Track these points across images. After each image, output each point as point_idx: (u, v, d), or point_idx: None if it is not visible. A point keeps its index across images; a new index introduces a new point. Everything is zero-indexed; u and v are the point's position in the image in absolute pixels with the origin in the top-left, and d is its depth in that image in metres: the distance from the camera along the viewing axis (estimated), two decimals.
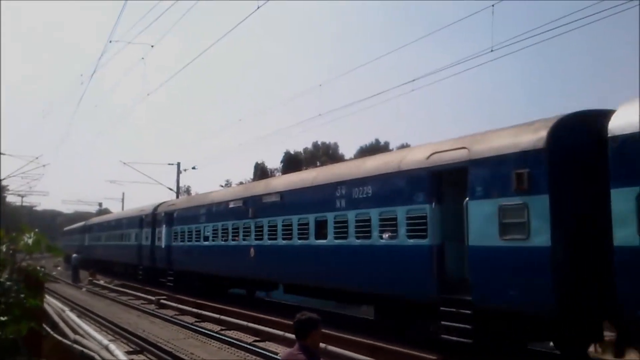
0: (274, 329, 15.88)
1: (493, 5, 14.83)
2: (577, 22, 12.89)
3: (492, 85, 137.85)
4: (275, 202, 19.68)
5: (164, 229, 30.12)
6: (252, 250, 20.81)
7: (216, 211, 24.52)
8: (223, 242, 23.44)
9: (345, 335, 14.11)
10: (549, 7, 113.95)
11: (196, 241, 26.21)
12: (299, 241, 17.94)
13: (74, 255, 42.30)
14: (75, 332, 15.92)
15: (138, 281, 33.55)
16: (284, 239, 18.81)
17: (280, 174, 76.19)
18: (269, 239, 19.70)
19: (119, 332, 17.00)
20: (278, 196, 19.61)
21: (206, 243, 25.15)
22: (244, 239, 21.50)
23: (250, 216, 20.97)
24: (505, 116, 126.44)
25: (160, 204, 33.65)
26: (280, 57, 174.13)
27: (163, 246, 29.98)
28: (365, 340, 13.54)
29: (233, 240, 22.44)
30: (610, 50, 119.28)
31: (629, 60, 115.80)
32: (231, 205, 22.75)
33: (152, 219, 32.87)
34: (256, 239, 20.61)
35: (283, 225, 18.83)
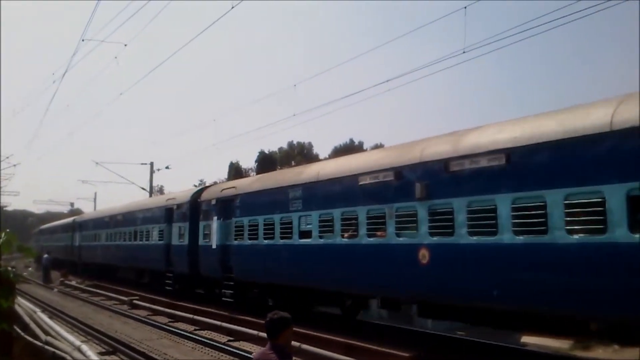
0: (247, 328, 15.89)
1: (465, 7, 15.01)
2: (550, 23, 13.07)
3: (464, 86, 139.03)
4: (490, 170, 10.86)
5: (215, 222, 21.53)
6: (424, 252, 12.06)
7: (328, 192, 15.46)
8: (346, 241, 14.47)
9: (320, 334, 14.20)
10: (522, 9, 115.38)
11: (284, 238, 17.16)
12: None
13: (45, 255, 41.67)
14: (46, 333, 15.80)
15: (164, 293, 25.40)
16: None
17: (254, 174, 76.05)
18: (478, 233, 10.99)
19: (91, 333, 16.86)
20: (501, 157, 10.68)
21: (307, 241, 16.00)
22: (402, 235, 12.80)
23: (419, 196, 12.21)
24: (478, 116, 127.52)
25: (204, 187, 26.01)
26: (254, 57, 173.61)
27: (214, 246, 21.32)
28: (338, 339, 13.63)
29: (371, 236, 13.66)
30: (582, 51, 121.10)
31: (602, 60, 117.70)
32: (366, 181, 13.87)
33: (190, 210, 24.07)
34: (436, 235, 11.88)
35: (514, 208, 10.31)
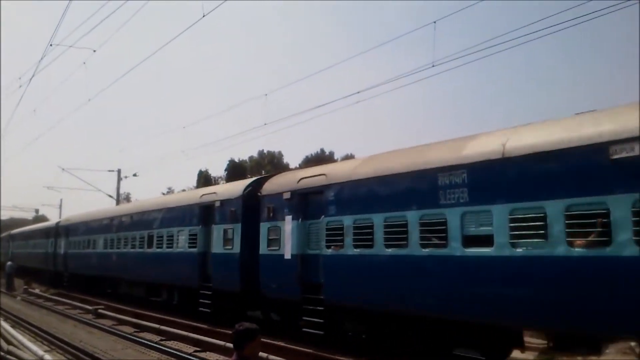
0: (214, 339, 15.84)
1: (435, 22, 15.28)
2: (516, 39, 13.38)
3: (432, 99, 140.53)
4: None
5: (289, 223, 16.22)
6: None
7: (527, 174, 10.11)
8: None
9: (289, 345, 14.24)
10: (489, 25, 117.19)
11: (429, 247, 11.85)
12: None
13: (9, 262, 40.88)
14: (8, 342, 15.55)
15: (193, 315, 20.13)
16: None
17: (224, 182, 75.72)
18: None
19: (55, 342, 16.63)
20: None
21: (481, 251, 10.69)
22: None
23: None
24: (447, 129, 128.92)
25: (265, 177, 19.74)
26: (225, 65, 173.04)
27: (288, 256, 16.05)
28: (307, 350, 13.68)
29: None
30: (543, 67, 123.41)
31: (566, 76, 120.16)
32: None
33: (243, 208, 18.57)
34: None
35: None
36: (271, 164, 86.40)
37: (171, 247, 22.67)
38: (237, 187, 19.57)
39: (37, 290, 35.83)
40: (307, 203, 15.82)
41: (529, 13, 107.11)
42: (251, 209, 18.07)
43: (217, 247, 19.53)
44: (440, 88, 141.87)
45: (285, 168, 74.77)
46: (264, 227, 17.25)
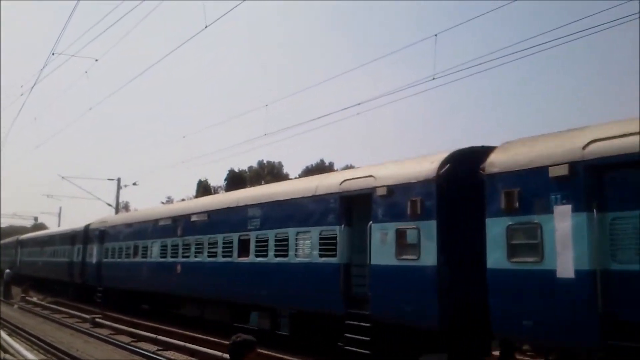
0: (211, 349, 15.84)
1: (436, 35, 15.35)
2: (516, 53, 13.33)
3: (433, 111, 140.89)
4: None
5: (570, 216, 9.69)
6: None
7: None
8: None
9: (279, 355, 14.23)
10: (489, 39, 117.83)
11: None
12: None
13: (7, 270, 40.80)
14: (5, 351, 15.54)
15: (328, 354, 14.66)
16: None
17: (224, 192, 75.77)
18: None
19: (51, 351, 16.63)
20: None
21: None
22: None
23: None
24: (444, 140, 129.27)
25: (472, 150, 12.86)
26: (226, 76, 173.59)
27: (569, 274, 9.59)
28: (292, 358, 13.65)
29: None
30: (547, 79, 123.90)
31: (562, 90, 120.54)
32: None
33: (437, 196, 12.30)
34: None
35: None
36: (271, 174, 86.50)
37: (284, 256, 16.23)
38: (423, 166, 12.78)
39: (34, 299, 35.75)
40: (607, 183, 9.33)
41: (529, 26, 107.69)
42: (453, 197, 12.25)
43: (381, 256, 13.08)
44: (441, 100, 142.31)
45: (285, 178, 74.84)
46: (497, 224, 10.70)
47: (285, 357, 14.37)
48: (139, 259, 25.77)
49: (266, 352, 14.33)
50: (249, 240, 17.88)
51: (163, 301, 24.87)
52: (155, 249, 24.30)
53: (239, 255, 18.36)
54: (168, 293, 23.45)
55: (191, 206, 23.89)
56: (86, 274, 32.20)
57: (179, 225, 22.50)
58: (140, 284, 25.80)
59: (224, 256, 19.21)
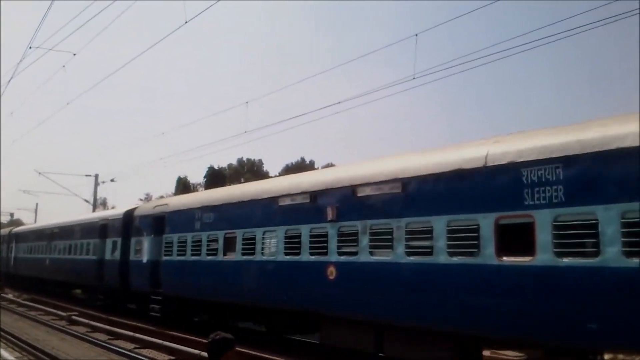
0: (190, 347, 15.69)
1: (417, 35, 15.24)
2: (497, 53, 13.36)
3: (413, 110, 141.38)
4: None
5: None
6: None
7: None
8: None
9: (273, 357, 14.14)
10: (470, 39, 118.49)
11: None
12: None
13: None
14: None
15: None
16: None
17: (203, 189, 75.32)
18: None
19: (26, 349, 16.36)
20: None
21: None
22: None
23: None
24: (428, 139, 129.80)
25: None
26: (206, 73, 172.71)
27: None
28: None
29: None
30: (525, 79, 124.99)
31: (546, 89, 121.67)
32: None
33: None
34: None
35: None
36: (251, 171, 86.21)
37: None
38: None
39: (9, 296, 35.23)
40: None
41: (511, 26, 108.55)
42: None
43: None
44: (422, 99, 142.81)
45: (264, 176, 74.60)
46: None
47: (265, 355, 14.27)
48: (238, 256, 16.95)
49: (245, 350, 14.24)
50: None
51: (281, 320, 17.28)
52: (272, 242, 15.84)
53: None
54: (301, 309, 14.89)
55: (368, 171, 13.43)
56: (130, 277, 23.83)
57: (333, 203, 13.89)
58: (240, 294, 17.02)
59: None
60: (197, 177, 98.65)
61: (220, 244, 17.90)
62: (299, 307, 14.70)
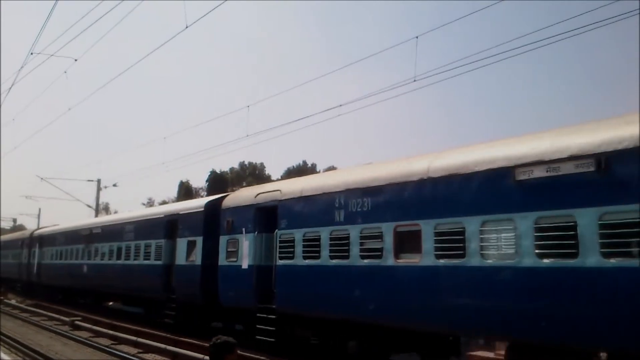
0: (192, 351, 15.72)
1: (417, 37, 15.27)
2: (499, 55, 13.30)
3: (414, 112, 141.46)
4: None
5: None
6: None
7: None
8: None
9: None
10: (471, 40, 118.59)
11: None
12: None
13: None
14: None
15: None
16: None
17: (205, 193, 75.42)
18: None
19: (30, 354, 16.41)
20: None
21: None
22: None
23: None
24: (429, 141, 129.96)
25: None
26: (208, 78, 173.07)
27: None
28: None
29: None
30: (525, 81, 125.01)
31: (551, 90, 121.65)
32: None
33: None
34: None
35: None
36: (252, 175, 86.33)
37: None
38: None
39: (13, 301, 35.27)
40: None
41: (511, 27, 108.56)
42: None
43: None
44: (422, 101, 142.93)
45: (266, 179, 74.68)
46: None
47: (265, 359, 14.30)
48: (427, 260, 11.42)
49: (247, 354, 14.26)
50: None
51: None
52: (504, 238, 10.28)
53: None
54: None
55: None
56: (220, 288, 18.02)
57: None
58: (435, 318, 11.45)
59: None
60: (199, 181, 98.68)
61: (387, 242, 12.27)
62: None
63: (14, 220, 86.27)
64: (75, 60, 21.25)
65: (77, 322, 23.43)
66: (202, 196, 70.90)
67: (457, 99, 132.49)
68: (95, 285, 29.08)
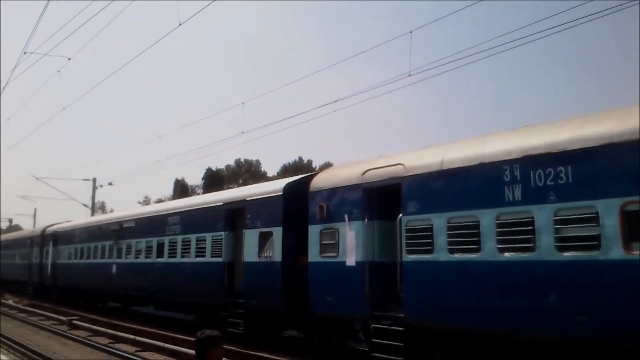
0: (191, 349, 15.68)
1: (411, 32, 15.23)
2: (493, 49, 13.35)
3: (409, 107, 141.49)
4: None
5: None
6: None
7: None
8: None
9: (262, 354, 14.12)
10: (466, 34, 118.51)
11: None
12: None
13: None
14: None
15: None
16: None
17: (201, 191, 75.35)
18: None
19: (28, 354, 16.37)
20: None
21: None
22: None
23: None
24: (422, 136, 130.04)
25: None
26: (202, 75, 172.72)
27: None
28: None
29: None
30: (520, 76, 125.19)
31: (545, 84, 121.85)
32: None
33: None
34: None
35: None
36: (248, 172, 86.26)
37: None
38: None
39: (10, 302, 35.18)
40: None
41: (507, 21, 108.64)
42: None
43: None
44: (418, 96, 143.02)
45: (262, 176, 74.68)
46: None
47: (249, 352, 14.29)
48: None
49: (232, 348, 14.28)
50: None
51: None
52: None
53: None
54: None
55: None
56: (312, 292, 14.38)
57: None
58: None
59: None
60: (194, 179, 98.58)
61: (609, 227, 8.67)
62: None
63: (10, 221, 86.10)
64: (69, 59, 21.19)
65: (74, 322, 23.38)
66: (198, 194, 70.80)
67: (453, 92, 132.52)
68: (126, 288, 24.98)
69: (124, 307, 27.79)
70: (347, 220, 13.48)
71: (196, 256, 19.20)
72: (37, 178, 45.20)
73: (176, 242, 20.53)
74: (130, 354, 16.28)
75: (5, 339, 19.10)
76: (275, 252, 15.62)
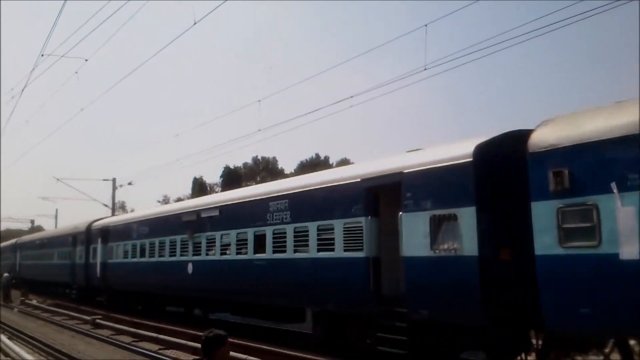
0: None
1: (426, 25, 15.15)
2: (509, 40, 13.27)
3: (425, 102, 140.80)
4: None
5: None
6: None
7: None
8: None
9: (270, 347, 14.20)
10: (482, 27, 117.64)
11: None
12: None
13: (5, 274, 40.59)
14: (6, 354, 15.52)
15: None
16: None
17: (220, 189, 75.62)
18: None
19: (52, 353, 16.56)
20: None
21: None
22: None
23: None
24: (438, 132, 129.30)
25: None
26: (217, 73, 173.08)
27: None
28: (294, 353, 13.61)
29: None
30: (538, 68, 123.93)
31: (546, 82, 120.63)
32: None
33: None
34: None
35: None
36: (266, 169, 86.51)
37: None
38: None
39: (34, 302, 35.65)
40: None
41: (523, 13, 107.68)
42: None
43: None
44: (434, 90, 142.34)
45: (279, 173, 74.85)
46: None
47: (258, 345, 14.36)
48: None
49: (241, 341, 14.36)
50: None
51: None
52: None
53: None
54: None
55: None
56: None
57: None
58: None
59: None
60: (213, 177, 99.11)
61: None
62: None
63: (32, 222, 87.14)
64: (86, 60, 21.31)
65: (98, 321, 23.64)
66: (217, 192, 71.06)
67: (470, 87, 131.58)
68: (207, 291, 20.74)
69: (204, 314, 24.02)
70: (616, 191, 9.01)
71: (318, 250, 15.04)
72: (58, 179, 45.72)
73: (285, 233, 16.31)
74: (153, 352, 16.43)
75: (31, 339, 19.38)
76: (464, 242, 11.28)
